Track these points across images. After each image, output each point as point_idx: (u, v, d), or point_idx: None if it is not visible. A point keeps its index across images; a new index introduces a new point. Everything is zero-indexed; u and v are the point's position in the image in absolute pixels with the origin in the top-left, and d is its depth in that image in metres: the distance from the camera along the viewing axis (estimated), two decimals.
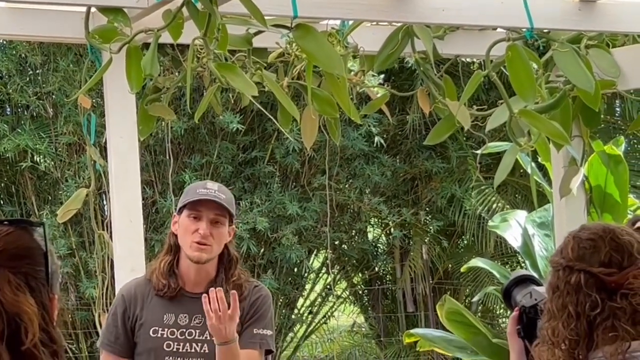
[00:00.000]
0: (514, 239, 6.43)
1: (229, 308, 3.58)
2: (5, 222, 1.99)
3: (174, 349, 3.81)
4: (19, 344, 1.85)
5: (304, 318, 11.02)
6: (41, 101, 8.83)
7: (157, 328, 3.84)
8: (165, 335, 3.82)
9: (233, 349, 3.66)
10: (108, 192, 4.47)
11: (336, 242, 10.60)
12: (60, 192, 8.82)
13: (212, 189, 3.83)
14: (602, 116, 5.28)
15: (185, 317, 3.81)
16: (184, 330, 3.81)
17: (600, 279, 2.37)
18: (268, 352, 3.91)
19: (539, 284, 2.85)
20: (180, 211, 3.84)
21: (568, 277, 2.40)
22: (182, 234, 3.82)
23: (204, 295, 3.59)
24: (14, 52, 8.76)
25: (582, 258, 2.41)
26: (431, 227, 10.46)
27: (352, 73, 4.41)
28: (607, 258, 2.39)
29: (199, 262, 3.79)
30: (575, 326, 2.36)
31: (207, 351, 3.73)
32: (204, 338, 3.79)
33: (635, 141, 10.38)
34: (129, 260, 3.97)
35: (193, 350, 3.79)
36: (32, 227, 1.99)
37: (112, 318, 3.94)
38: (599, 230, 2.45)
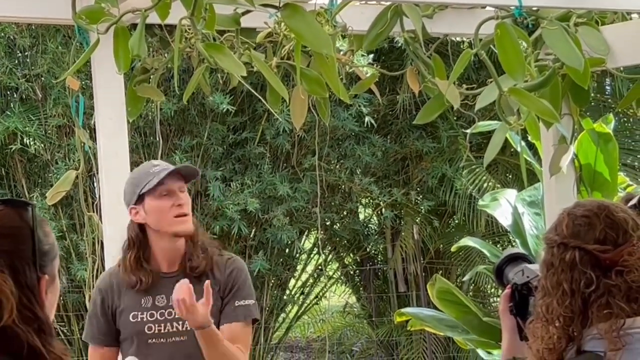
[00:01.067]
0: (504, 218, 6.44)
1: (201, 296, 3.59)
2: None
3: (156, 331, 3.80)
4: None
5: (295, 299, 11.03)
6: (30, 83, 8.80)
7: (136, 313, 3.84)
8: (145, 319, 3.82)
9: (210, 333, 3.65)
10: (97, 174, 4.45)
11: (327, 223, 10.61)
12: (50, 175, 8.80)
13: (161, 164, 3.84)
14: (591, 94, 5.28)
15: (162, 297, 3.79)
16: (163, 311, 3.81)
17: (595, 256, 2.36)
18: (254, 321, 3.92)
19: (530, 262, 2.85)
20: (140, 200, 3.78)
21: (562, 254, 2.39)
22: (157, 217, 3.77)
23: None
24: (2, 34, 8.74)
25: (576, 235, 2.40)
26: (422, 207, 10.47)
27: (341, 53, 4.40)
28: (602, 235, 2.38)
29: (186, 235, 3.78)
30: (570, 303, 2.35)
31: (189, 328, 3.70)
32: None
33: (625, 119, 10.38)
34: (119, 242, 3.95)
35: (175, 330, 3.78)
36: (22, 207, 1.99)
37: (93, 311, 3.95)
38: (593, 207, 2.43)
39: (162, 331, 3.80)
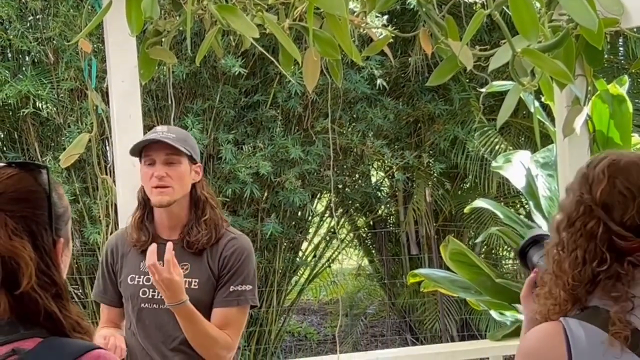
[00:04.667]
0: (518, 180, 6.42)
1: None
2: (13, 165, 1.99)
3: (149, 296, 3.81)
4: (17, 287, 1.86)
5: (308, 262, 11.07)
6: (42, 47, 8.79)
7: (134, 275, 3.87)
8: (141, 283, 3.83)
9: (187, 310, 3.62)
10: (110, 137, 4.46)
11: (339, 186, 10.62)
12: (63, 138, 8.81)
13: (161, 131, 3.80)
14: (605, 55, 5.25)
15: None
16: None
17: (613, 238, 2.29)
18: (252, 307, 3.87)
19: None
20: (141, 162, 3.84)
21: (586, 219, 2.31)
22: (143, 183, 3.82)
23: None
24: None
25: (607, 208, 2.31)
26: (434, 170, 10.46)
27: (354, 14, 4.38)
28: (629, 220, 2.29)
29: (162, 206, 3.76)
30: (580, 272, 2.31)
31: None
32: None
33: (638, 80, 10.32)
34: (132, 205, 3.97)
35: None
36: (36, 170, 1.99)
37: (100, 271, 4.00)
38: (636, 183, 2.31)
39: (156, 297, 3.78)
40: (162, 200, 3.75)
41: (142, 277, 3.84)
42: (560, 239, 2.37)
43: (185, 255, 3.77)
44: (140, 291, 3.83)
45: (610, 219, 2.29)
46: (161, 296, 3.69)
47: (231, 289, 3.74)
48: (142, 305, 3.83)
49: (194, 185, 3.81)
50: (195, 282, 3.76)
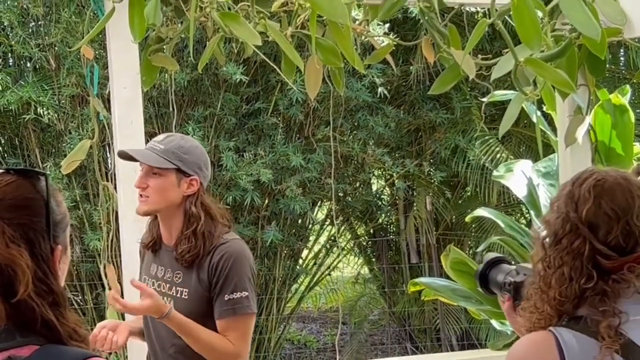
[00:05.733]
0: (519, 189, 6.42)
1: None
2: (11, 172, 1.98)
3: None
4: (14, 295, 1.85)
5: (308, 269, 11.05)
6: (44, 53, 8.79)
7: (145, 277, 3.91)
8: (148, 285, 3.83)
9: (176, 321, 3.62)
10: (112, 143, 4.45)
11: (340, 194, 10.61)
12: (64, 145, 8.81)
13: (157, 140, 3.79)
14: (607, 65, 5.25)
15: (162, 269, 3.81)
16: (160, 282, 3.82)
17: (597, 256, 2.34)
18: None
19: (511, 264, 2.83)
20: None
21: (572, 237, 2.36)
22: None
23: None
24: (16, 3, 8.71)
25: (592, 226, 2.35)
26: (435, 178, 10.46)
27: (357, 22, 4.38)
28: (613, 241, 2.34)
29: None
30: (567, 288, 2.34)
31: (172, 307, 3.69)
32: (171, 293, 3.77)
33: (639, 91, 10.33)
34: (133, 212, 3.96)
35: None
36: (35, 177, 1.98)
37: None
38: (621, 205, 2.35)
39: None
40: (139, 209, 3.77)
41: (149, 280, 3.87)
42: (547, 255, 2.41)
43: (177, 264, 3.77)
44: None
45: (595, 238, 2.34)
46: None
47: (226, 299, 3.66)
48: None
49: (186, 198, 3.76)
50: (185, 291, 3.75)
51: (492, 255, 2.89)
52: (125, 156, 3.82)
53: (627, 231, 2.34)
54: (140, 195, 3.74)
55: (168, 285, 3.79)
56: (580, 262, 2.34)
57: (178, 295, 3.73)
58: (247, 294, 3.68)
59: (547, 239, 2.43)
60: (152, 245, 3.87)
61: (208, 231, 3.73)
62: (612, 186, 2.40)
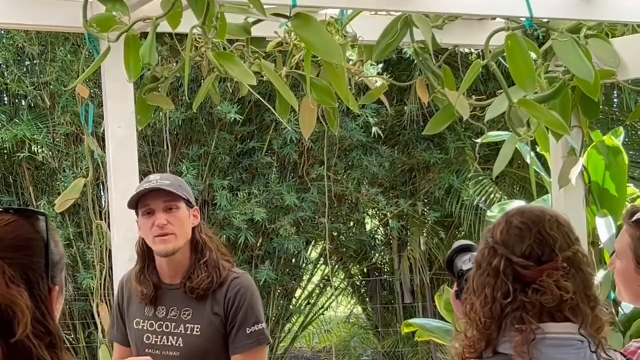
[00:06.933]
0: None
1: None
2: (10, 211, 1.97)
3: (152, 342, 3.77)
4: (12, 336, 1.84)
5: (301, 309, 11.02)
6: (39, 91, 8.82)
7: (139, 319, 3.84)
8: (145, 328, 3.80)
9: None
10: (106, 182, 4.45)
11: (334, 233, 10.60)
12: (58, 183, 8.80)
13: (154, 179, 3.74)
14: (600, 107, 5.27)
15: (163, 309, 3.75)
16: (162, 322, 3.77)
17: (517, 269, 2.41)
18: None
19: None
20: (137, 215, 3.77)
21: (491, 258, 2.44)
22: (144, 234, 3.75)
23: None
24: (12, 41, 8.75)
25: (506, 244, 2.44)
26: (429, 218, 10.46)
27: (351, 63, 4.40)
28: (528, 250, 2.42)
29: (167, 255, 3.71)
30: (490, 309, 2.40)
31: (181, 345, 3.69)
32: (178, 331, 3.74)
33: (633, 132, 10.37)
34: (126, 250, 3.95)
35: (169, 344, 3.73)
36: (34, 217, 1.97)
37: (114, 310, 3.99)
38: (531, 218, 2.46)
39: (158, 343, 3.75)
40: (167, 249, 3.70)
41: (146, 322, 3.81)
42: (471, 285, 2.49)
43: (187, 301, 3.74)
44: (144, 336, 3.79)
45: (511, 253, 2.43)
46: (163, 343, 3.69)
47: (248, 332, 3.70)
48: (147, 350, 3.79)
49: (193, 229, 3.76)
50: (197, 327, 3.72)
51: (461, 241, 3.00)
52: (134, 203, 3.78)
53: (540, 240, 2.42)
54: (160, 236, 3.68)
55: (174, 323, 3.75)
56: (500, 280, 2.41)
57: (188, 332, 3.71)
58: (263, 325, 3.76)
59: (472, 272, 2.52)
60: (146, 296, 3.78)
61: (216, 261, 3.75)
62: (523, 208, 2.58)
